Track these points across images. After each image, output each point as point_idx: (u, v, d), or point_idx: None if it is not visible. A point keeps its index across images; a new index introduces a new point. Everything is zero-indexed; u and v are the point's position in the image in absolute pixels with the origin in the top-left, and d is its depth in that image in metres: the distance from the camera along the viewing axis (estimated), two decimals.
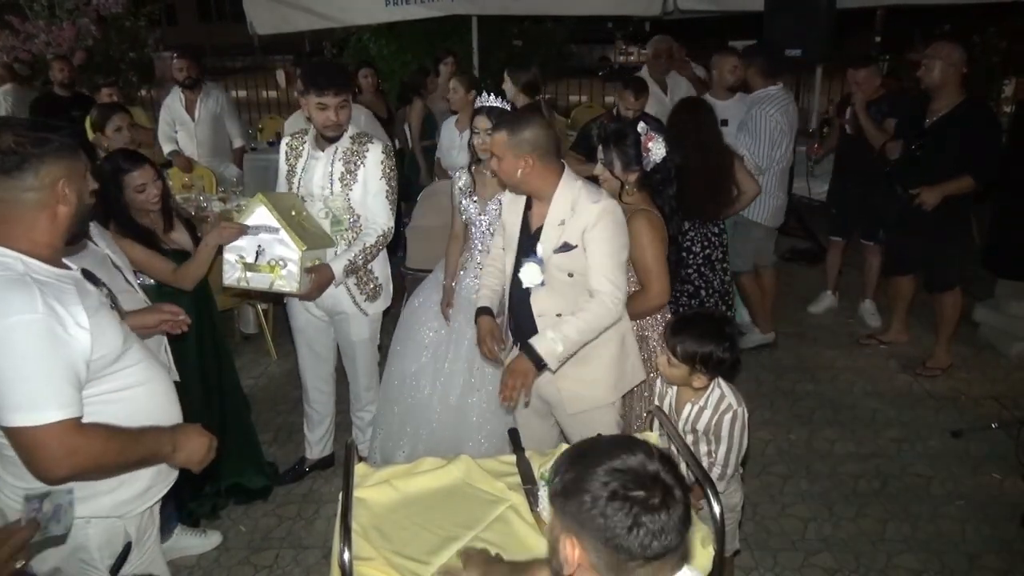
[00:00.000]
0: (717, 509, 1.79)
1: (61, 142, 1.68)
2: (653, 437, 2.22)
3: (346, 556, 1.60)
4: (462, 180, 3.36)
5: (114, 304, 1.92)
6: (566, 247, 2.45)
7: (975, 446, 3.71)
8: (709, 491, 1.83)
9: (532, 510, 1.93)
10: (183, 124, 5.80)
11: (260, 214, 2.87)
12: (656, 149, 2.83)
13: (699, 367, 2.25)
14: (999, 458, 3.60)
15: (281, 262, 2.88)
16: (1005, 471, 3.50)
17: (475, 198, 3.30)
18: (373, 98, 6.04)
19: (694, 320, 2.34)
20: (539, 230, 2.52)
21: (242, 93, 10.97)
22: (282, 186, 3.22)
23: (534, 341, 2.39)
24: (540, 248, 2.49)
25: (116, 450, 1.70)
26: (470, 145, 3.32)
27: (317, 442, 3.60)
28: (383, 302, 3.38)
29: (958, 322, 4.40)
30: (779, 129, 4.39)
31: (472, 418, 3.28)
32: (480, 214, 3.28)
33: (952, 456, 3.65)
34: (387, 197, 3.13)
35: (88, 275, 1.83)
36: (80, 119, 5.29)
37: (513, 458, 2.14)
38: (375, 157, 3.09)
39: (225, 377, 3.26)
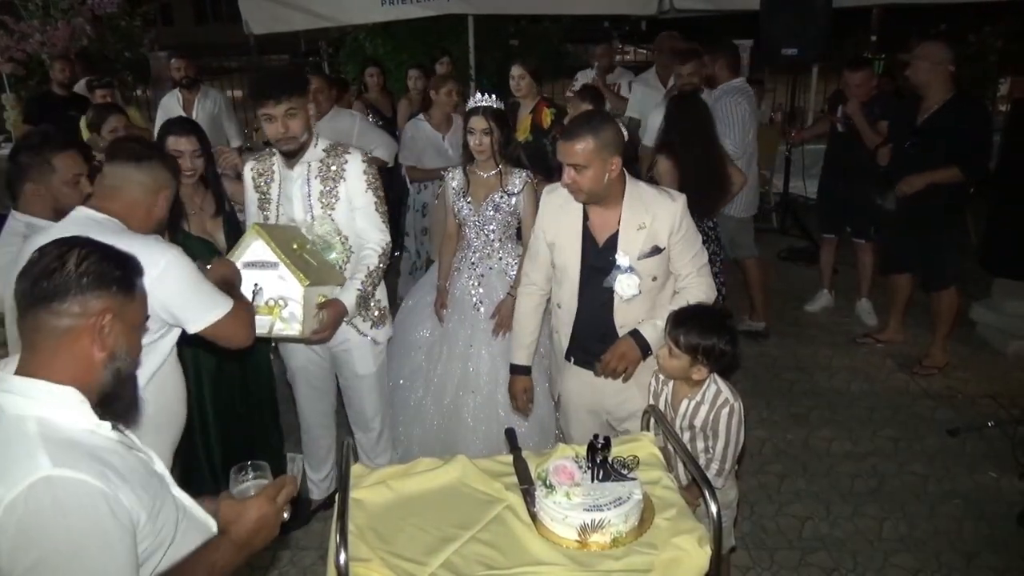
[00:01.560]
0: (714, 509, 1.79)
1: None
2: (649, 436, 2.22)
3: (342, 557, 1.59)
4: (456, 180, 3.34)
5: None
6: (655, 251, 2.43)
7: (972, 445, 3.71)
8: (706, 491, 1.83)
9: (529, 510, 1.92)
10: None
11: (256, 249, 2.51)
12: None
13: (701, 359, 2.25)
14: (996, 457, 3.60)
15: (281, 301, 2.52)
16: (1002, 470, 3.50)
17: (468, 199, 3.29)
18: (379, 96, 6.03)
19: (697, 313, 2.34)
20: (611, 239, 2.45)
21: (238, 93, 10.93)
22: (254, 217, 2.87)
23: (642, 329, 2.43)
24: (620, 257, 2.43)
25: None
26: (464, 145, 3.30)
27: (322, 480, 3.31)
28: (389, 327, 3.11)
29: (955, 321, 4.40)
30: (748, 116, 4.53)
31: (467, 419, 3.28)
32: (473, 215, 3.27)
33: (949, 455, 3.66)
34: (377, 210, 2.82)
35: None
36: (77, 119, 5.29)
37: (510, 458, 2.13)
38: (355, 169, 2.77)
39: (259, 405, 3.15)
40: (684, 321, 2.27)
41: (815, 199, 5.68)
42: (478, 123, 3.18)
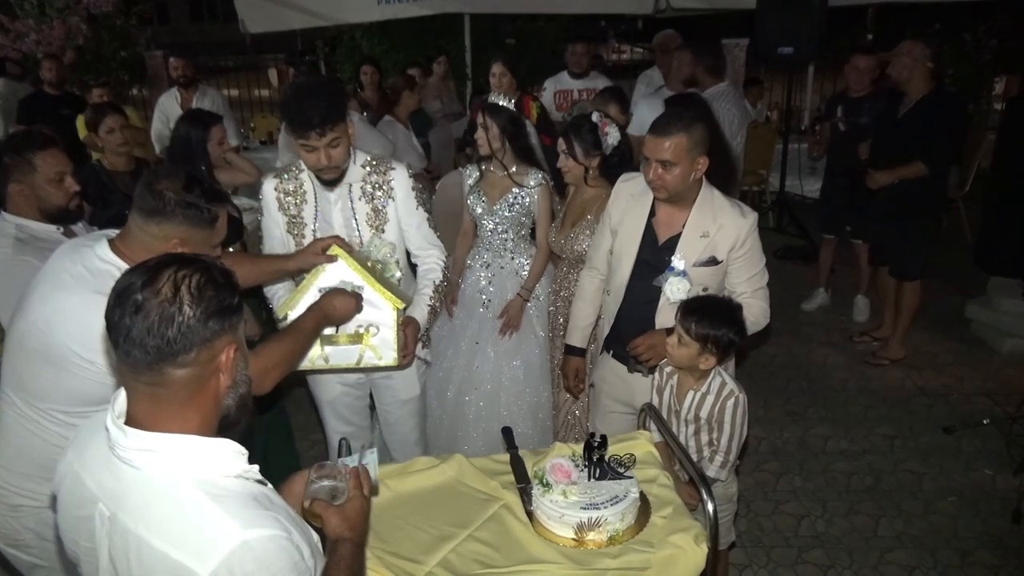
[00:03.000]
0: (711, 507, 1.80)
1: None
2: (646, 434, 2.23)
3: None
4: (472, 178, 3.35)
5: None
6: (712, 261, 2.42)
7: (967, 442, 3.73)
8: (703, 489, 1.83)
9: (526, 509, 1.93)
10: None
11: (337, 271, 2.28)
12: (612, 133, 2.98)
13: (710, 347, 2.25)
14: (991, 454, 3.62)
15: (373, 328, 2.30)
16: (997, 467, 3.52)
17: (484, 198, 3.28)
18: (375, 95, 6.03)
19: (708, 303, 2.35)
20: (673, 240, 2.44)
21: (234, 92, 10.93)
22: (278, 242, 2.58)
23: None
24: (677, 260, 2.42)
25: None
26: (470, 142, 3.32)
27: None
28: (432, 345, 2.97)
29: (914, 316, 4.46)
30: (737, 121, 4.61)
31: (468, 416, 3.28)
32: (487, 213, 3.27)
33: (944, 452, 3.67)
34: (430, 225, 2.65)
35: None
36: (70, 118, 5.28)
37: (507, 457, 2.13)
38: (403, 185, 2.55)
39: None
40: (695, 310, 2.27)
41: (812, 198, 5.70)
42: (479, 119, 3.22)
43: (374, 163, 2.55)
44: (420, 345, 2.70)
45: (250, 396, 1.29)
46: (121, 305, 1.13)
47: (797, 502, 3.35)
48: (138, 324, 1.11)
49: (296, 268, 2.35)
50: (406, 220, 2.58)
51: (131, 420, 1.17)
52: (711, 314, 2.26)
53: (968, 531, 3.15)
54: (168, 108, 5.79)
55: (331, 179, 2.44)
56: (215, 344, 1.16)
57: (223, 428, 1.24)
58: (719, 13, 7.48)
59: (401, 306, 2.34)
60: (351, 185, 2.50)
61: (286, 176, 2.57)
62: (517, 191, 3.21)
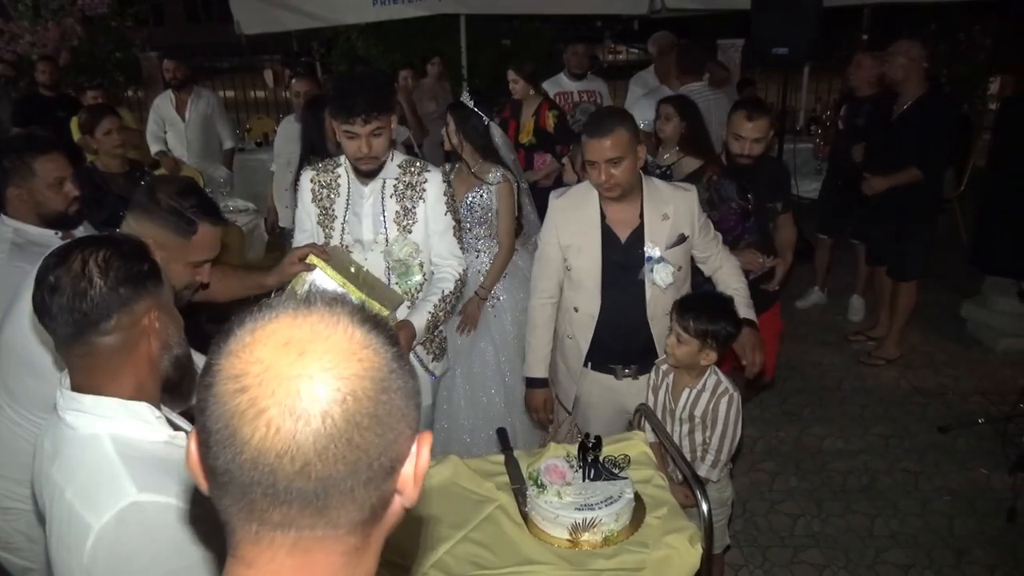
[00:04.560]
0: (705, 508, 1.80)
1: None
2: (641, 435, 2.23)
3: None
4: (449, 175, 3.36)
5: None
6: (681, 239, 2.48)
7: (962, 441, 3.73)
8: (698, 490, 1.83)
9: (520, 510, 1.92)
10: (173, 125, 5.77)
11: (316, 279, 2.32)
12: None
13: (710, 342, 2.26)
14: (986, 453, 3.62)
15: None
16: (992, 466, 3.52)
17: (451, 194, 3.30)
18: None
19: (702, 299, 2.39)
20: (637, 232, 2.47)
21: (230, 93, 10.90)
22: (310, 234, 2.60)
23: (745, 315, 2.52)
24: (650, 248, 2.45)
25: None
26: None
27: None
28: (446, 360, 2.88)
29: (910, 315, 4.46)
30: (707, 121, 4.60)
31: (460, 420, 3.28)
32: None
33: (940, 452, 3.68)
34: (455, 234, 2.61)
35: None
36: (66, 120, 5.26)
37: (501, 458, 2.13)
38: (436, 189, 2.54)
39: None
40: (691, 308, 2.29)
41: (808, 198, 5.70)
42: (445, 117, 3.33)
43: (410, 164, 2.56)
44: (431, 357, 2.71)
45: (187, 358, 1.35)
46: (40, 288, 1.23)
47: (793, 502, 3.36)
48: (56, 302, 1.20)
49: (277, 282, 2.37)
50: (433, 224, 2.55)
51: (74, 391, 1.24)
52: (707, 309, 2.28)
53: (964, 530, 3.15)
54: (163, 110, 5.78)
55: (369, 170, 2.44)
56: (134, 308, 1.23)
57: (169, 391, 1.32)
58: (714, 13, 7.47)
59: (386, 312, 2.30)
60: (385, 181, 2.51)
61: (323, 168, 2.61)
62: (479, 189, 3.23)
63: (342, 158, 2.54)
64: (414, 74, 6.23)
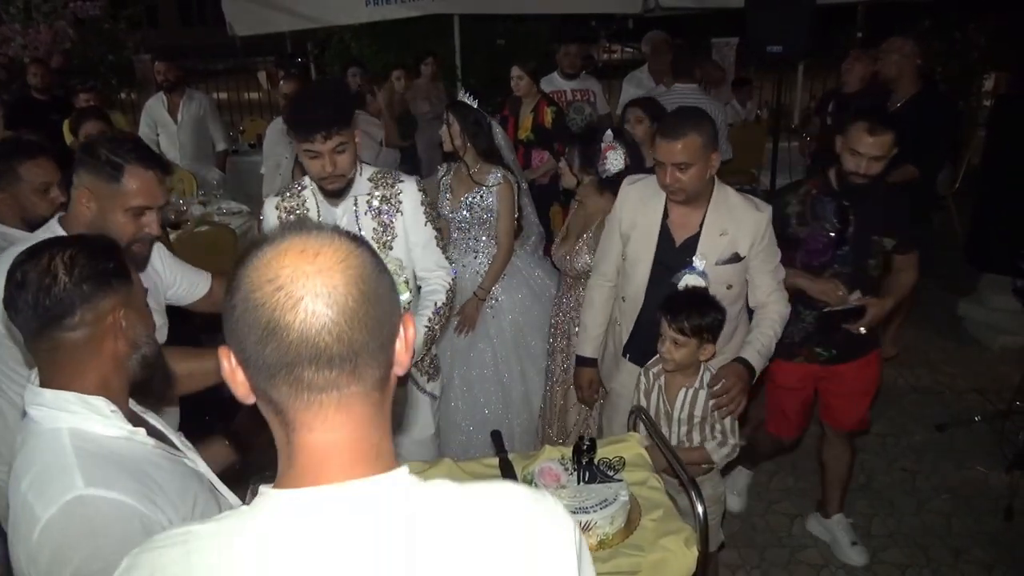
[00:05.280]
0: (700, 510, 1.79)
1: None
2: (636, 437, 2.21)
3: None
4: (447, 176, 3.35)
5: None
6: (735, 258, 2.39)
7: (959, 440, 3.72)
8: (692, 493, 1.82)
9: None
10: (165, 127, 5.74)
11: None
12: (613, 159, 2.87)
13: (707, 336, 2.24)
14: (983, 451, 3.61)
15: None
16: (989, 464, 3.52)
17: (449, 196, 3.28)
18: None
19: (686, 297, 2.33)
20: (692, 240, 2.41)
21: (223, 95, 10.89)
22: None
23: (746, 356, 2.35)
24: (698, 261, 2.38)
25: None
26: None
27: None
28: (441, 379, 2.80)
29: (906, 314, 4.44)
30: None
31: (457, 421, 3.27)
32: (451, 212, 3.27)
33: (937, 450, 3.67)
34: (438, 244, 2.51)
35: None
36: (59, 123, 5.23)
37: (496, 460, 2.11)
38: (412, 200, 2.41)
39: None
40: (681, 308, 2.25)
41: None
42: (445, 116, 3.26)
43: (381, 176, 2.41)
44: (426, 378, 2.63)
45: (156, 357, 1.38)
46: (9, 283, 1.25)
47: (789, 502, 3.34)
48: (23, 297, 1.23)
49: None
50: (414, 237, 2.43)
51: (42, 386, 1.27)
52: (696, 305, 2.26)
53: (961, 529, 3.14)
54: (154, 112, 5.75)
55: (336, 189, 2.29)
56: (98, 305, 1.25)
57: (140, 390, 1.34)
58: (709, 12, 7.47)
59: None
60: (357, 199, 2.36)
61: (288, 194, 2.43)
62: (478, 190, 3.21)
63: (307, 180, 2.37)
64: (408, 74, 6.20)
